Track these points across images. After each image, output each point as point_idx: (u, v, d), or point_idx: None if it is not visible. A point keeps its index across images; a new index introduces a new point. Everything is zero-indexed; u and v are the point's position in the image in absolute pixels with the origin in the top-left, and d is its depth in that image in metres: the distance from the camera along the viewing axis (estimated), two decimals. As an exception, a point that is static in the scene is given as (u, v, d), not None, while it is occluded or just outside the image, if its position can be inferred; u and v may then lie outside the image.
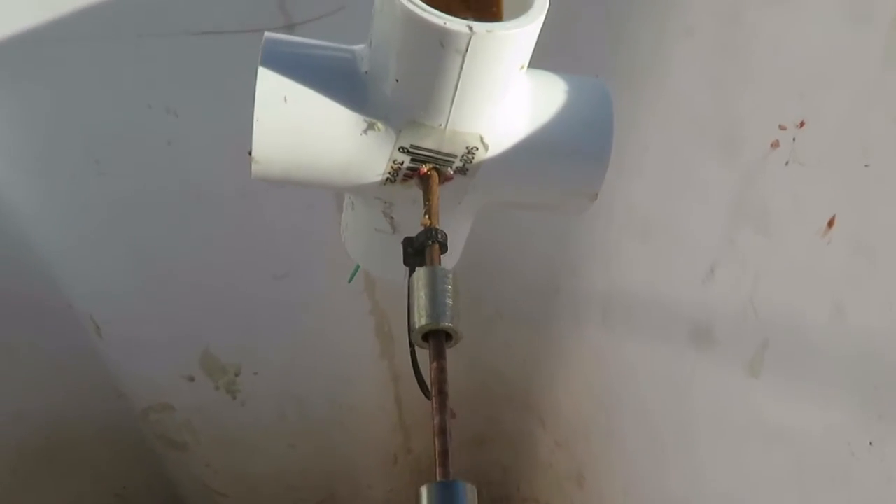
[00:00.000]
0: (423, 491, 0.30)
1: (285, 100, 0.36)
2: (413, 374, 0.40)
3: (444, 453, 0.30)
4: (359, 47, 0.38)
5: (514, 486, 1.48)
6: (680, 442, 0.82)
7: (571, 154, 0.40)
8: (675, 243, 0.77)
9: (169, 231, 0.83)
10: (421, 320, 0.33)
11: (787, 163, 0.58)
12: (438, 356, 0.33)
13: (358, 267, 0.65)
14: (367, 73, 0.37)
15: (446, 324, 0.33)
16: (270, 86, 0.36)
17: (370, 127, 0.37)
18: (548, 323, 1.10)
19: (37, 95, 0.70)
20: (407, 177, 0.39)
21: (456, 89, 0.35)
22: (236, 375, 1.05)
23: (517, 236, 1.02)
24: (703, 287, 0.74)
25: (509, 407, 1.32)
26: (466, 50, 0.33)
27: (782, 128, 0.58)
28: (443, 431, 0.31)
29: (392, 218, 0.43)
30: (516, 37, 0.34)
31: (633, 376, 0.92)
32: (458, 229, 0.45)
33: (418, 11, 0.33)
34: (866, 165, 0.50)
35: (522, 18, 0.34)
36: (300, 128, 0.37)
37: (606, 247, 0.91)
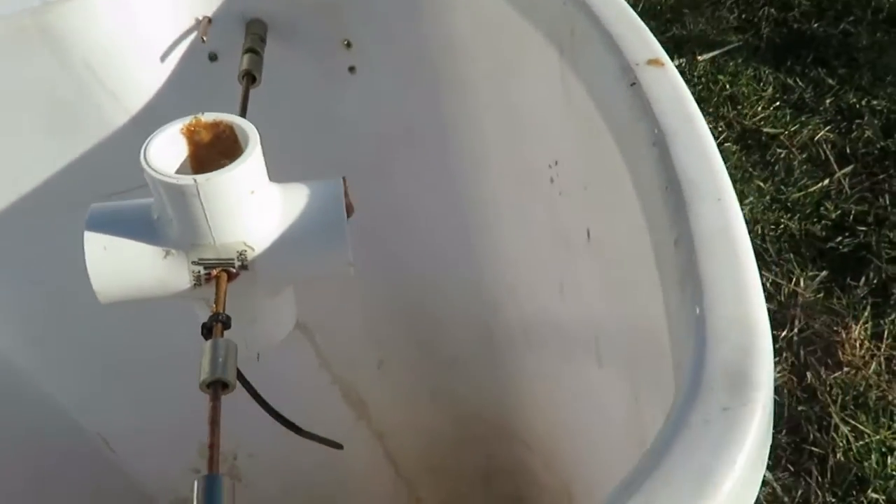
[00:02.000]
0: (195, 483, 0.45)
1: (105, 248, 0.54)
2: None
3: (211, 455, 0.45)
4: (150, 200, 0.56)
5: (534, 515, 1.58)
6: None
7: (316, 238, 0.56)
8: (540, 271, 0.92)
9: (131, 346, 1.00)
10: (203, 375, 0.49)
11: (560, 193, 0.73)
12: (214, 399, 0.49)
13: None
14: (157, 218, 0.55)
15: (219, 375, 0.49)
16: (92, 242, 0.54)
17: (167, 253, 0.54)
18: (494, 359, 1.23)
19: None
20: (207, 279, 0.56)
21: (206, 217, 0.52)
22: (234, 460, 1.21)
23: (447, 290, 1.17)
24: (562, 302, 0.88)
25: (497, 441, 1.44)
26: (198, 193, 0.50)
27: (550, 166, 0.73)
28: (211, 445, 0.46)
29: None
30: (231, 177, 0.51)
31: (558, 385, 1.05)
32: (272, 306, 0.61)
33: (160, 177, 0.50)
34: (585, 188, 0.64)
35: (234, 163, 0.51)
36: (119, 265, 0.54)
37: (508, 285, 1.06)
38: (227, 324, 0.53)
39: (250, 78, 0.74)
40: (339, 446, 0.70)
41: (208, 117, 0.55)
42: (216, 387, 0.49)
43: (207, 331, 0.52)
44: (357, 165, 0.85)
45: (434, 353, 1.27)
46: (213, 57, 0.82)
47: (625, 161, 0.49)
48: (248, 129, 0.53)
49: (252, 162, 0.52)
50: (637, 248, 0.53)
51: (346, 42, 0.84)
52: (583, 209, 0.68)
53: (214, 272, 0.55)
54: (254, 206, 0.54)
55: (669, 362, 0.50)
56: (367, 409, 1.26)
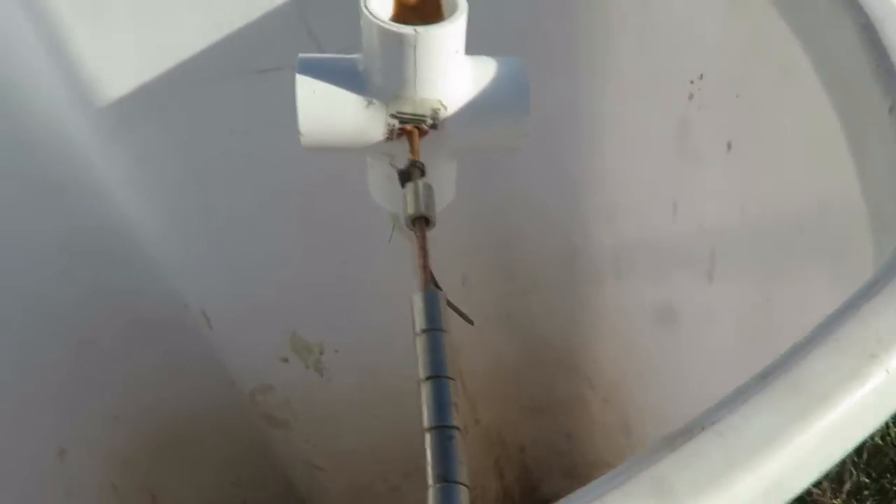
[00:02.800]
0: (416, 298, 0.50)
1: (314, 92, 0.59)
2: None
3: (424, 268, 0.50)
4: (357, 55, 0.61)
5: (578, 452, 1.64)
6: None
7: (502, 106, 0.61)
8: (649, 191, 0.96)
9: (255, 231, 1.07)
10: (409, 210, 0.54)
11: (699, 108, 0.77)
12: (421, 231, 0.54)
13: (392, 230, 0.87)
14: (363, 69, 0.60)
15: (425, 211, 0.54)
16: (304, 85, 0.59)
17: (369, 103, 0.59)
18: (574, 287, 1.28)
19: (146, 133, 0.95)
20: (399, 134, 0.61)
21: (415, 70, 0.56)
22: (321, 354, 1.27)
23: (535, 213, 1.22)
24: (673, 222, 0.92)
25: (559, 372, 1.49)
26: (415, 43, 0.55)
27: (691, 82, 0.76)
28: (423, 266, 0.51)
29: (395, 166, 0.64)
30: (445, 33, 0.55)
31: (643, 315, 1.09)
32: (445, 169, 0.66)
33: (383, 25, 0.55)
34: (737, 96, 0.68)
35: (448, 21, 0.56)
36: (325, 108, 0.59)
37: (606, 207, 1.10)
38: (423, 170, 0.58)
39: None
40: (470, 322, 0.75)
41: (418, -20, 0.59)
42: (421, 222, 0.54)
43: (405, 177, 0.57)
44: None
45: (516, 276, 1.32)
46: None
47: (812, 54, 0.53)
48: (458, -6, 0.58)
49: (463, 22, 0.56)
50: (805, 141, 0.57)
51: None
52: (728, 120, 0.72)
53: (408, 127, 0.60)
54: (454, 67, 0.58)
55: (828, 248, 0.55)
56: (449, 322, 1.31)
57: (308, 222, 1.07)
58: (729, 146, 0.72)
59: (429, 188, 0.56)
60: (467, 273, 1.32)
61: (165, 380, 1.32)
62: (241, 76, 0.90)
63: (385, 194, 0.68)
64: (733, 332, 0.78)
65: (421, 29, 0.54)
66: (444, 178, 0.67)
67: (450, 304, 0.71)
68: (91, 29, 0.85)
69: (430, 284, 0.51)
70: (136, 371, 1.29)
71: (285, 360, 1.27)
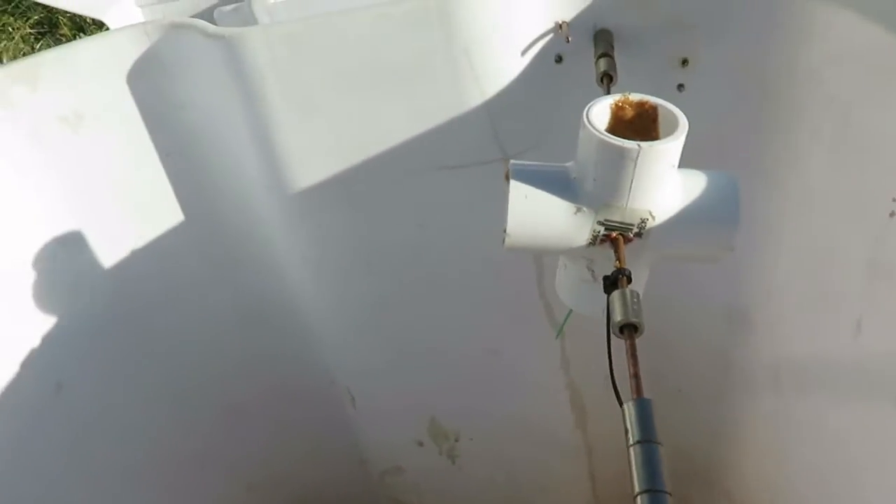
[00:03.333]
0: (629, 406, 0.50)
1: (526, 197, 0.61)
2: (611, 387, 0.60)
3: (636, 378, 0.50)
4: (569, 164, 0.63)
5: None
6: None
7: (710, 220, 0.61)
8: (825, 304, 0.92)
9: (412, 317, 1.10)
10: (618, 317, 0.55)
11: (902, 226, 0.74)
12: (631, 337, 0.54)
13: (563, 326, 0.87)
14: (574, 178, 0.62)
15: (635, 319, 0.54)
16: (517, 189, 0.61)
17: (578, 210, 0.61)
18: (723, 396, 1.23)
19: (330, 221, 1.01)
20: (603, 240, 0.62)
21: (631, 182, 0.58)
22: (456, 441, 1.27)
23: (688, 316, 1.19)
24: (854, 341, 0.88)
25: (696, 483, 1.42)
26: (637, 158, 0.56)
27: (894, 199, 0.74)
28: (635, 375, 0.51)
29: (593, 271, 0.65)
30: (667, 149, 0.57)
31: (809, 435, 1.03)
32: (639, 277, 0.66)
33: (607, 139, 0.57)
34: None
35: (670, 138, 0.57)
36: (535, 213, 0.61)
37: (770, 315, 1.06)
38: (629, 277, 0.58)
39: (608, 78, 0.81)
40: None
41: (635, 97, 0.61)
42: (630, 329, 0.54)
43: (612, 283, 0.58)
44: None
45: (661, 379, 1.28)
46: (558, 59, 0.90)
47: None
48: (676, 111, 0.59)
49: (682, 139, 0.57)
50: None
51: (683, 60, 0.90)
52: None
53: (614, 234, 0.61)
54: (668, 180, 0.59)
55: None
56: (586, 418, 1.29)
57: (461, 309, 1.09)
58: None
59: (637, 295, 0.56)
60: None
61: (302, 454, 1.36)
62: (426, 172, 0.94)
63: (577, 296, 0.69)
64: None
65: (645, 145, 0.56)
66: (640, 285, 0.67)
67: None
68: (299, 124, 0.92)
69: (642, 391, 0.51)
70: (275, 441, 1.33)
71: (420, 444, 1.28)
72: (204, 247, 1.09)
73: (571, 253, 0.64)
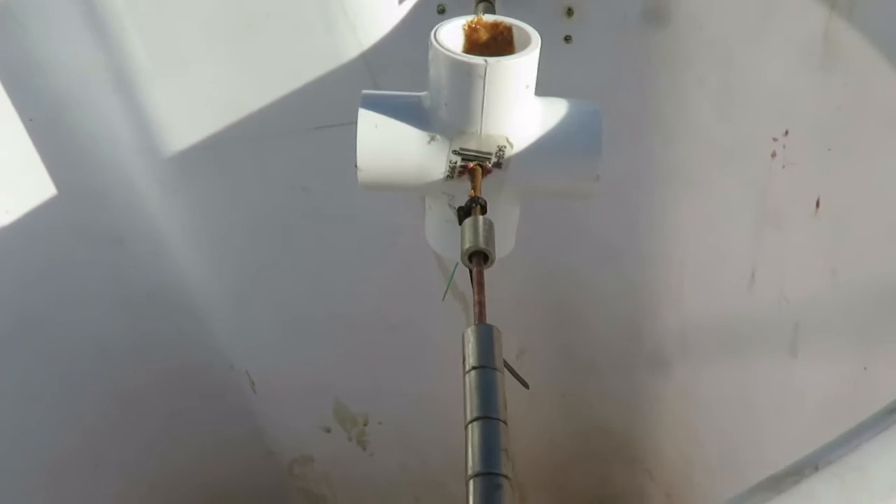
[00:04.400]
0: (469, 331, 0.45)
1: (376, 126, 0.57)
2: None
3: (481, 305, 0.46)
4: (422, 93, 0.58)
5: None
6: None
7: (572, 145, 0.57)
8: (722, 262, 0.90)
9: (305, 289, 1.04)
10: (466, 244, 0.50)
11: (783, 166, 0.72)
12: (478, 267, 0.49)
13: (450, 281, 0.82)
14: (428, 106, 0.57)
15: (483, 246, 0.50)
16: (365, 118, 0.57)
17: (432, 139, 0.57)
18: (637, 368, 1.20)
19: (208, 188, 0.95)
20: (461, 172, 0.58)
21: (483, 103, 0.54)
22: (364, 425, 1.22)
23: (600, 288, 1.16)
24: (749, 293, 0.85)
25: (618, 462, 1.39)
26: (485, 75, 0.52)
27: (774, 139, 0.72)
28: (480, 303, 0.47)
29: (455, 209, 0.61)
30: (517, 65, 0.53)
31: (714, 398, 1.01)
32: (507, 214, 0.62)
33: (454, 55, 0.53)
34: (829, 150, 0.63)
35: (521, 53, 0.53)
36: (386, 144, 0.57)
37: (672, 286, 1.04)
38: (484, 207, 0.54)
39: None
40: (526, 385, 0.69)
41: (489, 18, 0.57)
42: (479, 257, 0.50)
43: (465, 213, 0.54)
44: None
45: (574, 355, 1.25)
46: (441, 9, 0.86)
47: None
48: (530, 30, 0.56)
49: (535, 56, 0.54)
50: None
51: (568, 9, 0.87)
52: (817, 177, 0.67)
53: (470, 164, 0.57)
54: (522, 103, 0.56)
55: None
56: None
57: (356, 280, 1.04)
58: (817, 205, 0.67)
59: (489, 223, 0.52)
60: (523, 347, 1.26)
61: (205, 447, 1.28)
62: (305, 132, 0.89)
63: (442, 239, 0.65)
64: (822, 410, 0.70)
65: (492, 60, 0.52)
66: (505, 225, 0.63)
67: (506, 364, 0.65)
68: (169, 80, 0.86)
69: (485, 317, 0.46)
70: (175, 434, 1.25)
71: (328, 431, 1.22)
72: (79, 222, 1.02)
73: (430, 189, 0.60)
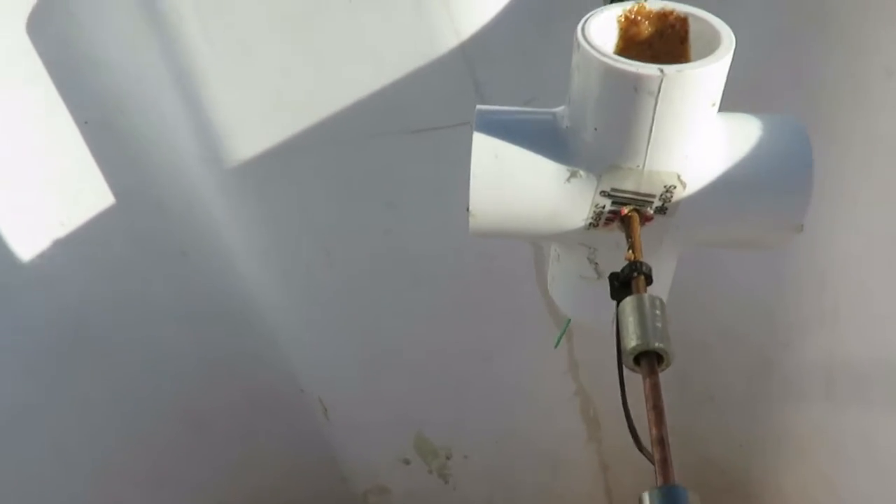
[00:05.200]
0: (645, 497, 0.31)
1: (496, 157, 0.42)
2: (630, 436, 0.41)
3: (664, 461, 0.31)
4: (558, 109, 0.43)
5: None
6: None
7: (770, 187, 0.41)
8: (882, 295, 0.72)
9: (388, 314, 0.91)
10: (631, 342, 0.35)
11: None
12: (651, 373, 0.34)
13: (563, 332, 0.67)
14: (567, 127, 0.42)
15: (657, 344, 0.35)
16: (483, 146, 0.42)
17: (573, 175, 0.41)
18: (762, 402, 1.03)
19: (279, 198, 0.83)
20: (609, 220, 0.42)
21: (651, 130, 0.38)
22: (447, 459, 1.09)
23: (724, 310, 0.99)
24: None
25: (728, 500, 1.23)
26: (659, 91, 0.37)
27: None
28: (661, 441, 0.32)
29: (596, 263, 0.45)
30: (704, 75, 0.37)
31: (874, 453, 0.84)
32: (661, 272, 0.46)
33: (611, 62, 0.37)
34: None
35: (710, 57, 0.37)
36: (510, 180, 0.42)
37: (821, 314, 0.86)
38: (648, 275, 0.38)
39: None
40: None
41: (655, 4, 0.41)
42: (651, 360, 0.35)
43: (623, 285, 0.38)
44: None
45: (690, 386, 1.09)
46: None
47: None
48: (716, 21, 0.39)
49: (727, 62, 0.38)
50: None
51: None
52: None
53: (625, 210, 0.41)
54: (705, 127, 0.40)
55: None
56: (599, 430, 1.10)
57: (453, 311, 0.90)
58: None
59: (661, 305, 0.37)
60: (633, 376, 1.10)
61: (275, 469, 1.18)
62: (390, 136, 0.75)
63: (576, 298, 0.50)
64: None
65: (670, 69, 0.36)
66: (660, 282, 0.48)
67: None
68: (233, 76, 0.73)
69: (669, 477, 0.31)
70: (244, 455, 1.16)
71: (406, 462, 1.09)
72: (139, 233, 0.91)
73: (564, 238, 0.45)
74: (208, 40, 0.71)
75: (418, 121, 0.73)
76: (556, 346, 0.71)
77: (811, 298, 0.86)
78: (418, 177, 0.78)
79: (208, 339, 1.03)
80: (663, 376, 1.08)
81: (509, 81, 0.72)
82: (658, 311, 0.36)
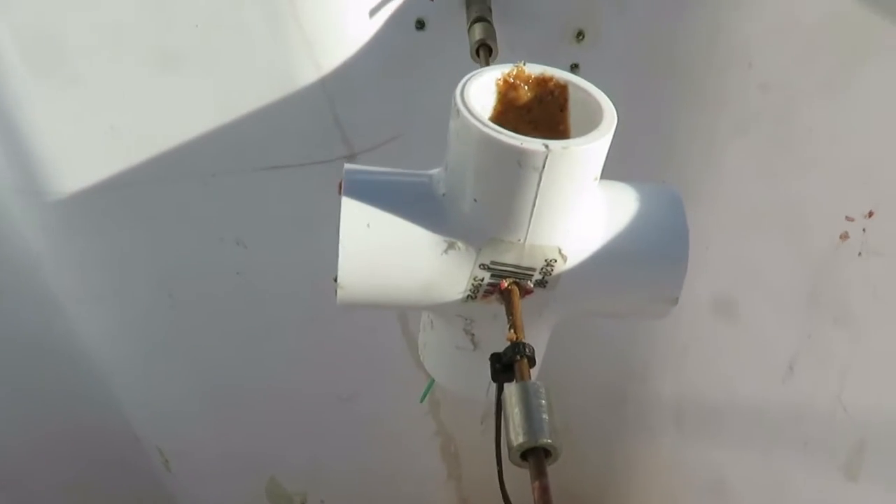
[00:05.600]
0: None
1: (368, 226, 0.38)
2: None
3: None
4: (435, 171, 0.40)
5: None
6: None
7: (648, 260, 0.40)
8: (748, 341, 0.76)
9: (235, 359, 0.84)
10: (518, 438, 0.33)
11: (859, 253, 0.57)
12: (539, 475, 0.32)
13: (430, 386, 0.65)
14: (444, 195, 0.39)
15: (545, 440, 0.33)
16: (353, 213, 0.38)
17: (450, 247, 0.38)
18: (618, 435, 1.06)
19: (114, 237, 0.74)
20: (487, 293, 0.40)
21: (534, 205, 0.36)
22: (303, 504, 1.03)
23: (579, 345, 1.00)
24: (783, 386, 0.71)
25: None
26: (543, 167, 0.34)
27: (849, 219, 0.57)
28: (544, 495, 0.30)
29: (473, 335, 0.43)
30: (590, 151, 0.35)
31: (720, 486, 0.87)
32: (538, 343, 0.44)
33: (495, 134, 0.34)
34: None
35: (594, 133, 0.35)
36: (383, 251, 0.38)
37: (674, 350, 0.89)
38: (532, 359, 0.36)
39: (487, 50, 0.59)
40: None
41: (534, 69, 0.39)
42: (538, 456, 0.32)
43: (504, 368, 0.36)
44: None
45: (546, 416, 1.10)
46: (420, 24, 0.68)
47: None
48: (597, 92, 0.38)
49: (609, 138, 0.36)
50: None
51: (578, 32, 0.70)
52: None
53: (505, 283, 0.39)
54: (586, 202, 0.38)
55: None
56: (459, 467, 1.08)
57: (309, 353, 0.85)
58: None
59: (548, 395, 0.34)
60: (489, 409, 1.09)
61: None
62: (242, 173, 0.69)
63: (448, 367, 0.47)
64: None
65: (556, 145, 0.34)
66: (540, 349, 0.46)
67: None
68: (49, 93, 0.64)
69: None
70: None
71: (261, 511, 1.02)
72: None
73: (440, 310, 0.42)
74: (23, 56, 0.62)
75: (274, 157, 0.68)
76: (421, 402, 0.68)
77: (664, 336, 0.89)
78: (273, 215, 0.73)
79: (28, 391, 0.91)
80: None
81: (373, 118, 0.68)
82: (544, 401, 0.34)
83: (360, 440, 0.97)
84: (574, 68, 0.72)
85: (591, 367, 1.02)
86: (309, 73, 0.64)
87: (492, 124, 0.35)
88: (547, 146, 0.34)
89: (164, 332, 0.81)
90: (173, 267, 0.76)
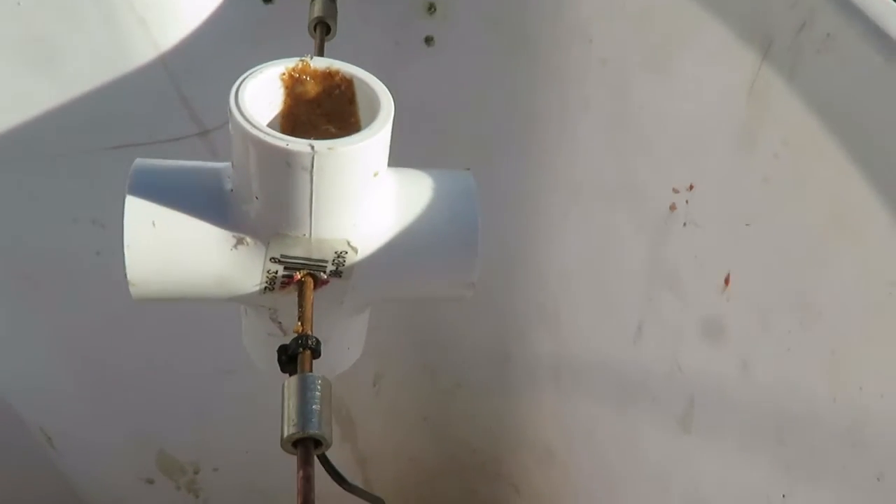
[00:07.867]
0: None
1: (153, 224, 0.38)
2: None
3: None
4: (224, 165, 0.40)
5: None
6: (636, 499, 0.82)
7: (439, 249, 0.42)
8: (605, 305, 0.79)
9: (106, 338, 0.83)
10: (289, 429, 0.34)
11: (684, 224, 0.60)
12: (305, 464, 0.34)
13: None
14: (231, 190, 0.39)
15: (313, 431, 0.34)
16: (137, 212, 0.38)
17: (239, 242, 0.39)
18: (505, 390, 1.10)
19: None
20: (284, 284, 0.41)
21: (311, 202, 0.37)
22: (196, 473, 1.04)
23: (465, 308, 1.03)
24: (634, 347, 0.75)
25: (482, 477, 1.31)
26: (312, 167, 0.35)
27: (675, 191, 0.60)
28: (307, 483, 0.31)
29: (280, 322, 0.44)
30: (359, 150, 0.36)
31: (590, 437, 0.92)
32: (349, 326, 0.46)
33: (261, 136, 0.35)
34: (747, 224, 0.52)
35: (365, 132, 0.36)
36: (171, 248, 0.39)
37: (548, 313, 0.92)
38: (316, 351, 0.38)
39: (324, 28, 0.59)
40: (381, 501, 0.55)
41: (320, 63, 0.40)
42: (307, 446, 0.34)
43: (289, 360, 0.37)
44: (411, 154, 0.71)
45: (437, 376, 1.13)
46: (268, -2, 0.67)
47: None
48: (378, 85, 0.39)
49: (386, 133, 0.37)
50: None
51: (429, 5, 0.70)
52: (727, 250, 0.56)
53: (299, 275, 0.40)
54: (370, 195, 0.39)
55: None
56: (354, 429, 1.11)
57: (185, 328, 0.85)
58: (727, 282, 0.56)
59: (326, 386, 0.36)
60: (380, 371, 1.12)
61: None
62: (95, 152, 0.67)
63: (264, 353, 0.48)
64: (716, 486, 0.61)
65: (321, 145, 0.35)
66: (348, 335, 0.47)
67: (354, 487, 0.51)
68: None
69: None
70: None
71: (150, 482, 1.03)
72: None
73: (241, 301, 0.42)
74: None
75: (121, 137, 0.66)
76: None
77: (539, 301, 0.92)
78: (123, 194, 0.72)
79: None
80: (414, 369, 1.12)
81: (220, 97, 0.67)
82: (318, 393, 0.35)
83: (247, 410, 0.97)
84: (429, 41, 0.72)
85: (478, 329, 1.05)
86: (146, 52, 0.63)
87: (260, 125, 0.35)
88: (312, 147, 0.35)
89: (29, 314, 0.80)
90: (29, 248, 0.74)
